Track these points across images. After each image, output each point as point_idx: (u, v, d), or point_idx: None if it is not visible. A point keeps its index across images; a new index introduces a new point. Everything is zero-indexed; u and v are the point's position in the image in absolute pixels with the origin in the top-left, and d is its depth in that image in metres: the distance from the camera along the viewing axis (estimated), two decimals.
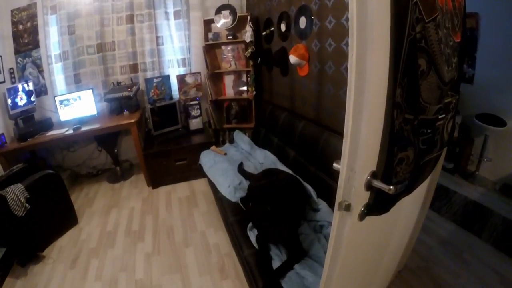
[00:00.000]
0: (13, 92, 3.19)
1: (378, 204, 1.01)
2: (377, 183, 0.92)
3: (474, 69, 3.26)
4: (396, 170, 1.02)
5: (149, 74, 3.94)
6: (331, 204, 2.06)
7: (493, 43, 3.02)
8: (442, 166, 1.84)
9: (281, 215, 1.85)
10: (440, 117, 1.18)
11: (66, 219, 3.05)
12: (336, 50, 2.26)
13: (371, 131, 0.90)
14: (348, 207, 0.91)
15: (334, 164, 0.95)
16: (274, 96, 3.55)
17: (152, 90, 3.88)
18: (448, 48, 1.16)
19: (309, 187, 2.25)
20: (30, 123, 3.34)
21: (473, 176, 3.32)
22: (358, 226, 1.01)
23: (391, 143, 0.95)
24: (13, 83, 3.37)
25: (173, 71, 4.05)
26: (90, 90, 3.63)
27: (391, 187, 0.89)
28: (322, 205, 2.08)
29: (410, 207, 1.63)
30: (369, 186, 0.94)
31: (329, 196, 2.12)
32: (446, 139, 1.35)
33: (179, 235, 2.80)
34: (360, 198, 0.95)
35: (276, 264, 1.71)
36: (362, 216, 0.97)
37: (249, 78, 3.86)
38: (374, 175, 0.94)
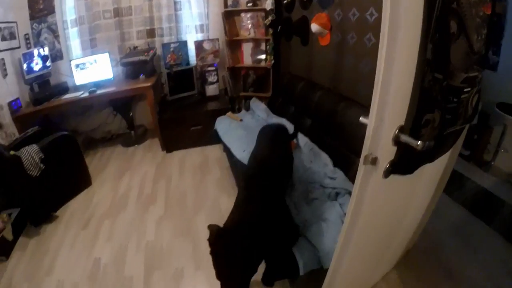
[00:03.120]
0: (29, 57, 3.16)
1: (403, 162, 1.00)
2: (405, 138, 0.90)
3: (498, 56, 3.13)
4: (421, 132, 1.01)
5: (166, 40, 3.90)
6: (347, 174, 2.04)
7: None
8: (459, 152, 1.80)
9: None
10: (465, 90, 1.16)
11: (80, 180, 3.10)
12: (359, 20, 2.18)
13: (402, 82, 0.87)
14: (374, 161, 0.89)
15: (361, 118, 0.93)
16: (292, 66, 3.48)
17: (169, 55, 3.84)
18: (478, 17, 1.12)
19: (325, 155, 2.23)
20: (46, 87, 3.34)
21: (489, 165, 3.24)
22: (381, 184, 0.99)
23: (421, 98, 0.93)
24: (28, 48, 3.33)
25: (191, 37, 3.99)
26: (107, 53, 3.62)
27: (419, 142, 0.86)
28: (338, 173, 2.05)
29: (427, 182, 1.61)
30: (396, 141, 0.92)
31: (345, 165, 2.09)
32: (470, 113, 1.32)
33: (191, 200, 2.82)
34: (387, 152, 0.93)
35: None
36: (387, 173, 0.96)
37: (268, 47, 3.79)
38: (402, 129, 0.92)
